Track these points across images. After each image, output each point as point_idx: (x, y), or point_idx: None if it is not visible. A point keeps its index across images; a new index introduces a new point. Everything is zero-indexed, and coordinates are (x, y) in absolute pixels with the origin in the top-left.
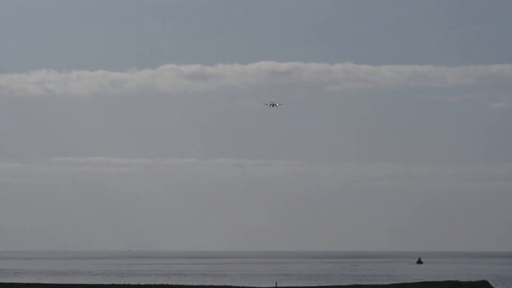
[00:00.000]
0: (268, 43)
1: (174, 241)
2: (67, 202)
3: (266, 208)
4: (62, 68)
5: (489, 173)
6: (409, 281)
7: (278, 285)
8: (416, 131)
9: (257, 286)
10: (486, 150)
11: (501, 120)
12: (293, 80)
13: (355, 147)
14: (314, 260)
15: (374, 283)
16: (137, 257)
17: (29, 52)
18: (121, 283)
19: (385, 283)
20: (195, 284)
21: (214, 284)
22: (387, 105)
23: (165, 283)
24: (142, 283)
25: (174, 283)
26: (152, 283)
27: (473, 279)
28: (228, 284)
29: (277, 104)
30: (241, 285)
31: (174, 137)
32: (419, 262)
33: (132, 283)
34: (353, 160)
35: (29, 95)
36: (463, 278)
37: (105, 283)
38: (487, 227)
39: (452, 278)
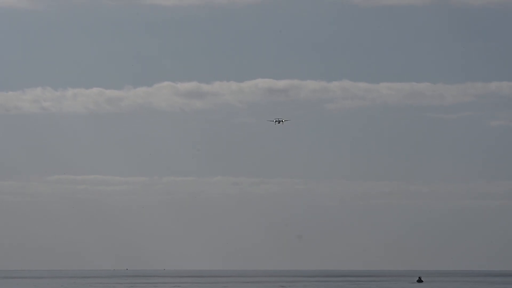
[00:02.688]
0: (264, 61)
1: (171, 259)
2: (64, 221)
3: (264, 226)
4: (58, 86)
5: (488, 191)
6: None
7: None
8: (414, 148)
9: None
10: (485, 168)
11: (500, 138)
12: (290, 98)
13: (353, 165)
14: (312, 279)
15: None
16: (134, 276)
17: (24, 70)
18: None
19: None
20: None
21: None
22: (384, 122)
23: None
24: None
25: None
26: None
27: None
28: None
29: (283, 121)
30: None
31: (171, 155)
32: (420, 281)
33: None
34: (351, 178)
35: (24, 113)
36: None
37: None
38: (487, 245)
39: None
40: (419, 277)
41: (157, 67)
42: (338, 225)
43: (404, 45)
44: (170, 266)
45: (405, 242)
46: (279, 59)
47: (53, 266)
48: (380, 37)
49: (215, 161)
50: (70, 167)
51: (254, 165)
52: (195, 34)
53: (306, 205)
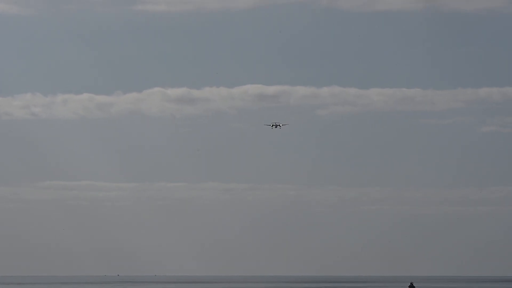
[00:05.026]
0: (254, 66)
1: (163, 266)
2: (55, 227)
3: (256, 232)
4: (47, 91)
5: (480, 197)
6: None
7: None
8: (405, 154)
9: None
10: (476, 174)
11: (491, 143)
12: (280, 103)
13: (345, 171)
14: (304, 285)
15: None
16: (125, 282)
17: (14, 76)
18: None
19: None
20: None
21: None
22: (375, 128)
23: None
24: None
25: None
26: None
27: None
28: None
29: (281, 125)
30: None
31: (162, 161)
32: (411, 286)
33: None
34: (342, 184)
35: (14, 119)
36: None
37: None
38: (479, 251)
39: None
40: (411, 283)
41: (147, 72)
42: (330, 231)
43: (394, 50)
44: (161, 272)
45: (397, 247)
46: (269, 65)
47: (44, 272)
48: (370, 42)
49: (207, 167)
50: (61, 173)
51: (245, 171)
52: (185, 40)
53: (297, 211)
